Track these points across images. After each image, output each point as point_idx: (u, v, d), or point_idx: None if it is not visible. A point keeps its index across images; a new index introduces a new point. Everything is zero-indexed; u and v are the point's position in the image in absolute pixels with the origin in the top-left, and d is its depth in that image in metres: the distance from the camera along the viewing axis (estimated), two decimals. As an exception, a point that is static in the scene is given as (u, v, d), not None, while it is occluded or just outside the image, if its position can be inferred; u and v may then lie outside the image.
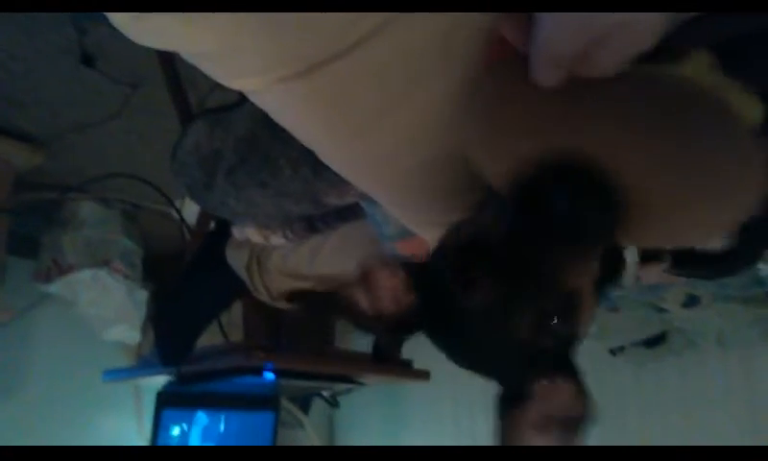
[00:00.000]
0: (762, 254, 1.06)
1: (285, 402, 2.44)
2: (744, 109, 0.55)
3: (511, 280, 0.56)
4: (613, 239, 0.56)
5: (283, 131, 0.71)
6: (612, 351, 2.32)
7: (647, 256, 0.82)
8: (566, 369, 0.61)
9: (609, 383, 2.48)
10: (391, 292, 0.66)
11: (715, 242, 0.58)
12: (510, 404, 0.63)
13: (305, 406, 2.73)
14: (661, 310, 1.65)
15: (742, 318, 1.90)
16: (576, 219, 0.50)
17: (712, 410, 2.30)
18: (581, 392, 0.62)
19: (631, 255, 0.66)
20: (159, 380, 2.03)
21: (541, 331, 0.57)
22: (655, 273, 1.07)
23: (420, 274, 0.65)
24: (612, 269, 0.66)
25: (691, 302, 1.51)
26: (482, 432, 2.79)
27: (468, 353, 0.64)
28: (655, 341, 2.19)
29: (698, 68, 0.55)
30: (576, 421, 0.62)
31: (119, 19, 0.51)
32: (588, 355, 2.07)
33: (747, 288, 1.43)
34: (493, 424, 0.63)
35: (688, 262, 0.95)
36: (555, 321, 0.57)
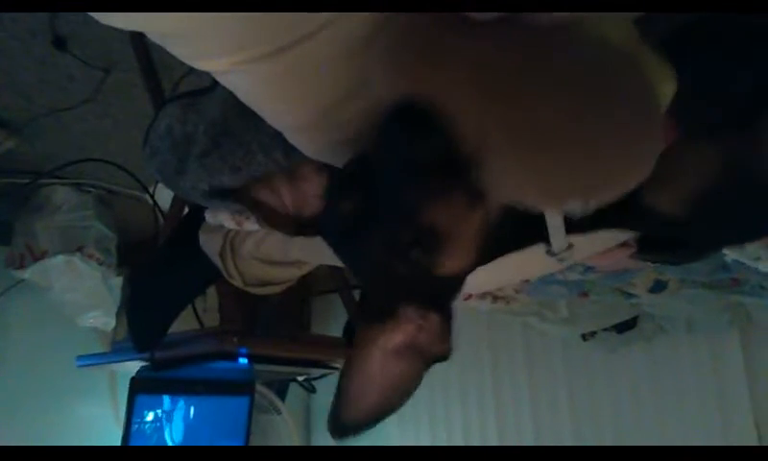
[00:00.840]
0: (725, 241, 1.08)
1: (261, 388, 2.45)
2: (657, 80, 0.56)
3: (366, 202, 0.60)
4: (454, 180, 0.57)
5: (255, 115, 0.71)
6: (584, 337, 2.35)
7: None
8: (439, 308, 0.63)
9: (580, 368, 2.51)
10: (312, 192, 0.70)
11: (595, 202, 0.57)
12: (370, 321, 0.65)
13: (282, 392, 2.74)
14: (630, 295, 1.67)
15: (711, 304, 1.93)
16: (408, 153, 0.54)
17: (682, 394, 2.34)
18: (445, 332, 0.63)
19: (554, 220, 0.66)
20: (134, 366, 2.02)
21: (395, 256, 0.60)
22: (621, 258, 1.09)
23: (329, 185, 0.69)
24: (523, 230, 0.67)
25: (658, 287, 1.54)
26: (457, 419, 2.83)
27: (348, 261, 0.67)
28: (625, 326, 2.22)
29: (621, 32, 0.55)
30: (432, 356, 0.64)
31: (85, 1, 0.51)
32: (560, 341, 2.10)
33: (713, 274, 1.46)
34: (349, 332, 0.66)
35: (653, 248, 0.97)
36: (412, 250, 0.59)
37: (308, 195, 0.68)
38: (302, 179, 0.68)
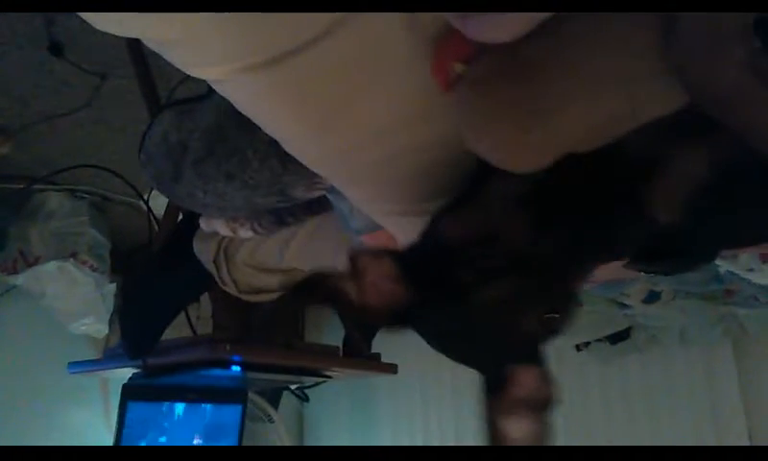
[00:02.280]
0: (719, 251, 1.08)
1: (254, 396, 2.44)
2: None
3: (532, 276, 0.59)
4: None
5: (251, 123, 0.71)
6: (578, 347, 2.35)
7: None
8: (535, 358, 0.65)
9: (574, 378, 2.51)
10: (378, 281, 0.65)
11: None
12: (491, 392, 0.65)
13: (274, 400, 2.73)
14: (624, 306, 1.68)
15: (704, 315, 1.94)
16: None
17: (675, 404, 2.34)
18: (546, 377, 0.65)
19: None
20: (126, 373, 2.01)
21: (544, 326, 0.61)
22: (614, 268, 1.09)
23: (413, 264, 0.65)
24: None
25: (652, 297, 1.54)
26: (449, 425, 2.83)
27: (460, 344, 0.65)
28: (619, 337, 2.22)
29: None
30: (543, 402, 0.65)
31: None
32: (554, 351, 2.10)
33: (706, 285, 1.46)
34: (477, 410, 0.66)
35: (647, 258, 0.97)
36: (557, 316, 0.61)
37: (375, 284, 0.65)
38: (363, 271, 0.65)
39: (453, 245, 0.63)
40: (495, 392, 0.65)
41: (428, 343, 0.67)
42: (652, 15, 0.52)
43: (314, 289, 0.67)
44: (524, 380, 0.64)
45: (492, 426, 0.65)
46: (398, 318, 0.66)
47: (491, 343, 0.64)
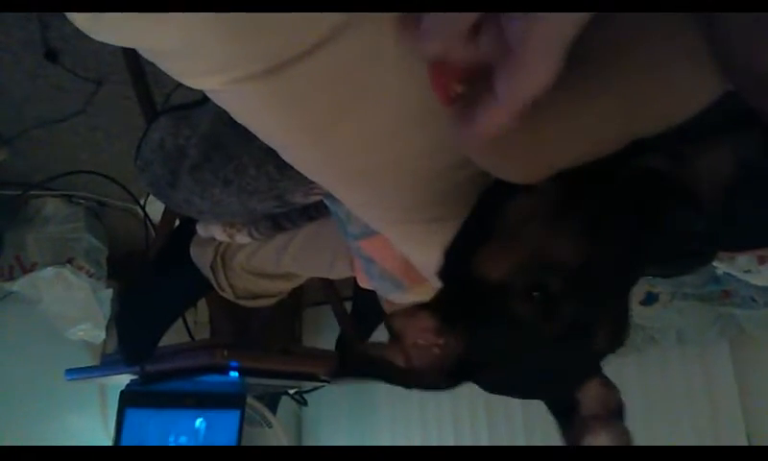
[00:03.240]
0: (717, 253, 1.08)
1: (252, 401, 2.44)
2: None
3: (599, 299, 0.57)
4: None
5: (247, 129, 0.71)
6: (576, 349, 2.35)
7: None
8: (596, 370, 0.64)
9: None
10: (421, 339, 0.61)
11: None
12: (562, 416, 0.65)
13: (273, 405, 2.73)
14: (622, 308, 1.68)
15: (701, 315, 1.94)
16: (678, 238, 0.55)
17: (673, 405, 2.35)
18: (609, 384, 0.64)
19: None
20: (124, 379, 2.01)
21: (611, 341, 0.59)
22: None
23: (454, 311, 0.62)
24: None
25: (650, 299, 1.54)
26: (448, 429, 2.83)
27: (528, 380, 0.64)
28: (616, 338, 2.22)
29: None
30: (614, 410, 0.65)
31: (77, 17, 0.51)
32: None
33: (704, 286, 1.47)
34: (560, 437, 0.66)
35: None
36: (622, 331, 0.60)
37: (418, 344, 0.62)
38: (401, 334, 0.62)
39: (497, 283, 0.59)
40: (568, 415, 0.64)
41: (491, 390, 0.65)
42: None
43: (360, 364, 0.63)
44: (592, 396, 0.64)
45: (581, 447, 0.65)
46: (455, 372, 0.62)
47: (561, 371, 0.62)
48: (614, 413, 0.65)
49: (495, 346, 0.60)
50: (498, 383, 0.64)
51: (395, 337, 0.61)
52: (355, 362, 0.63)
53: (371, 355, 0.61)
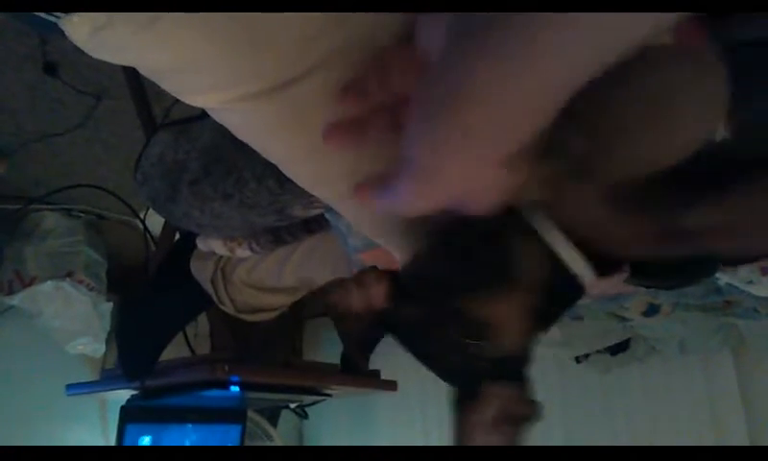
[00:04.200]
0: (719, 265, 1.08)
1: (253, 415, 2.43)
2: None
3: (426, 306, 0.66)
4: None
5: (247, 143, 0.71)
6: (578, 359, 2.35)
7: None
8: (510, 376, 0.67)
9: (575, 390, 2.51)
10: (376, 294, 0.72)
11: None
12: (461, 405, 0.68)
13: (274, 418, 2.72)
14: (624, 319, 1.67)
15: (703, 326, 1.94)
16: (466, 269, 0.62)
17: (675, 415, 2.34)
18: (523, 395, 0.67)
19: (587, 275, 0.68)
20: (124, 394, 2.00)
21: (461, 350, 0.65)
22: (615, 283, 1.08)
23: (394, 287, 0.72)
24: (567, 289, 0.69)
25: (652, 310, 1.54)
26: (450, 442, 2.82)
27: (422, 359, 0.71)
28: (619, 348, 2.22)
29: None
30: (518, 420, 0.67)
31: (77, 35, 0.51)
32: (554, 363, 2.10)
33: (706, 297, 1.46)
34: (449, 423, 0.69)
35: (647, 272, 0.97)
36: (470, 342, 0.64)
37: (374, 298, 0.73)
38: (368, 285, 0.74)
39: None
40: (468, 405, 0.67)
41: (412, 352, 0.72)
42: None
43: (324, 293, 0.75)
44: (497, 397, 0.66)
45: (462, 438, 0.68)
46: (382, 328, 0.73)
47: (440, 360, 0.68)
48: (514, 422, 0.67)
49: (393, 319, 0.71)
50: (413, 349, 0.72)
51: (360, 284, 0.73)
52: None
53: (328, 289, 0.73)
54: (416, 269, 0.69)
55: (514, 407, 0.66)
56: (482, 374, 0.66)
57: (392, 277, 0.73)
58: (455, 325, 0.64)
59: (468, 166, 0.46)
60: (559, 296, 0.69)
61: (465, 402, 0.68)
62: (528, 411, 0.67)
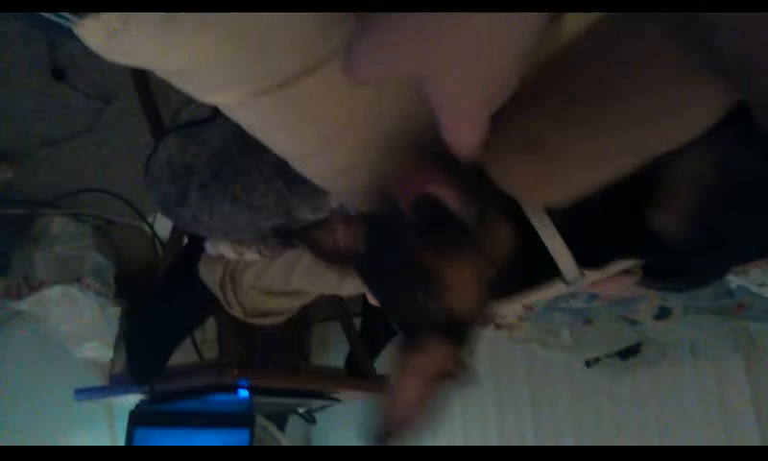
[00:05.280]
0: (731, 267, 1.07)
1: (261, 419, 2.42)
2: None
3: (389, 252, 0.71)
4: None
5: (256, 145, 0.71)
6: (588, 363, 2.33)
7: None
8: (453, 339, 0.71)
9: (584, 394, 2.49)
10: (345, 237, 0.81)
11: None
12: (402, 351, 0.73)
13: (281, 423, 2.71)
14: (635, 322, 1.66)
15: (714, 329, 1.92)
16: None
17: (687, 419, 2.32)
18: (458, 356, 0.71)
19: (564, 260, 0.71)
20: (133, 399, 2.00)
21: (413, 300, 0.69)
22: (626, 286, 1.08)
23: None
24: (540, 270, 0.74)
25: (663, 313, 1.53)
26: (458, 437, 2.81)
27: (381, 301, 0.77)
28: (629, 352, 2.21)
29: None
30: (447, 377, 0.71)
31: (92, 40, 0.51)
32: (564, 367, 2.08)
33: (717, 299, 1.45)
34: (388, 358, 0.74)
35: (658, 274, 0.96)
36: (422, 295, 0.68)
37: (353, 238, 0.81)
38: (353, 224, 0.81)
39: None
40: (408, 351, 0.72)
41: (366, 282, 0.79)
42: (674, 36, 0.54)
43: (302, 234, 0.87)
44: (429, 352, 0.71)
45: (396, 381, 0.72)
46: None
47: (414, 308, 0.71)
48: (443, 377, 0.71)
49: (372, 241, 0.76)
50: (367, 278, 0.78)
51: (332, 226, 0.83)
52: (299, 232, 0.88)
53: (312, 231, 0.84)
54: (386, 216, 0.72)
55: (447, 364, 0.71)
56: (427, 326, 0.70)
57: (359, 222, 0.80)
58: (410, 276, 0.68)
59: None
60: (528, 273, 0.74)
61: (406, 349, 0.72)
62: (458, 372, 0.71)
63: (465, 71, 0.48)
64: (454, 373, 0.71)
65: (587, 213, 0.69)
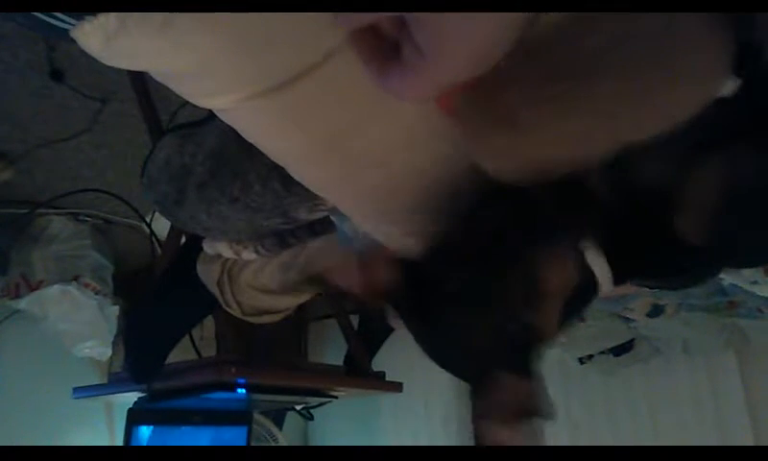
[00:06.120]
0: (723, 267, 1.08)
1: (258, 417, 2.43)
2: None
3: (491, 266, 0.63)
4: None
5: (253, 146, 0.72)
6: (581, 360, 2.35)
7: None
8: (525, 369, 0.66)
9: (578, 391, 2.51)
10: (379, 275, 0.72)
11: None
12: (478, 393, 0.67)
13: (279, 420, 2.72)
14: (628, 320, 1.68)
15: (707, 326, 1.93)
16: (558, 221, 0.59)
17: (679, 415, 2.34)
18: (536, 390, 0.66)
19: (604, 275, 0.68)
20: (131, 397, 2.01)
21: (508, 318, 0.63)
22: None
23: (411, 266, 0.71)
24: (586, 291, 0.69)
25: (656, 311, 1.54)
26: (453, 440, 2.81)
27: (440, 339, 0.69)
28: (622, 349, 2.22)
29: None
30: (525, 411, 0.65)
31: (90, 44, 0.51)
32: (558, 365, 2.09)
33: (710, 298, 1.46)
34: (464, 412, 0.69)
35: (652, 273, 0.97)
36: (521, 310, 0.62)
37: (377, 278, 0.73)
38: (374, 266, 0.74)
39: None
40: (480, 396, 0.67)
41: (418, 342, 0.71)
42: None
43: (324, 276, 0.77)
44: (507, 388, 0.65)
45: (477, 430, 0.67)
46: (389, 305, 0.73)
47: (468, 346, 0.67)
48: (525, 414, 0.66)
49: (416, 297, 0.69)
50: (416, 333, 0.71)
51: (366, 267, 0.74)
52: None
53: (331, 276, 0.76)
54: (459, 236, 0.66)
55: (526, 400, 0.65)
56: (502, 355, 0.65)
57: (401, 260, 0.72)
58: (515, 286, 0.62)
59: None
60: (581, 295, 0.69)
61: (481, 392, 0.66)
62: (540, 406, 0.65)
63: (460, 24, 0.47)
64: (535, 407, 0.66)
65: (621, 232, 0.66)
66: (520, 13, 0.45)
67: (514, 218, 0.61)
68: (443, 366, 0.71)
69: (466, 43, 0.46)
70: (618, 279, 0.70)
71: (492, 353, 0.66)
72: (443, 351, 0.70)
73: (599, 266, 0.66)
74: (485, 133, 0.59)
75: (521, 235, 0.61)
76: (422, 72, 0.48)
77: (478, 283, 0.63)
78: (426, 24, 0.45)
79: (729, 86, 0.58)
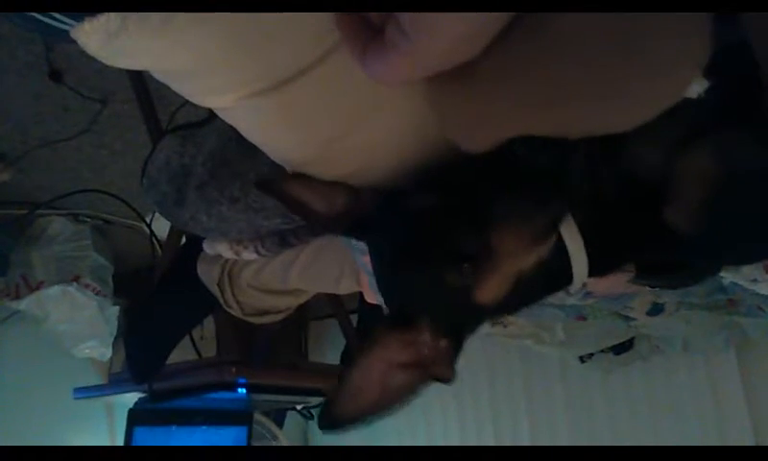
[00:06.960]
0: (724, 264, 1.08)
1: (259, 417, 2.44)
2: None
3: (453, 201, 0.61)
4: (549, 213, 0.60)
5: (252, 146, 0.72)
6: (582, 359, 2.35)
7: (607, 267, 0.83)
8: (453, 335, 0.65)
9: (578, 390, 2.51)
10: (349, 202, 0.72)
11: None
12: (390, 326, 0.65)
13: (279, 420, 2.73)
14: (628, 318, 1.67)
15: (707, 324, 1.93)
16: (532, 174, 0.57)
17: (679, 414, 2.34)
18: (451, 360, 0.65)
19: (580, 267, 0.66)
20: (131, 397, 2.01)
21: (450, 265, 0.60)
22: (620, 283, 1.09)
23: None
24: (555, 278, 0.68)
25: (656, 310, 1.53)
26: (453, 435, 2.82)
27: (381, 267, 0.68)
28: (622, 348, 2.22)
29: None
30: (434, 377, 0.65)
31: (90, 44, 0.51)
32: (558, 363, 2.09)
33: (710, 296, 1.46)
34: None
35: (652, 272, 0.97)
36: (465, 260, 0.60)
37: (338, 200, 0.72)
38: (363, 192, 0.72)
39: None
40: (392, 327, 0.65)
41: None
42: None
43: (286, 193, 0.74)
44: (420, 337, 0.65)
45: (363, 353, 0.65)
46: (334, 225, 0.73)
47: (407, 278, 0.64)
48: (426, 372, 0.65)
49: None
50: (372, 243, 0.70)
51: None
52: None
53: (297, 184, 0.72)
54: (442, 172, 0.64)
55: (437, 362, 0.65)
56: (436, 307, 0.64)
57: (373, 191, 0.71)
58: (470, 239, 0.60)
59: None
60: (546, 279, 0.67)
61: (392, 327, 0.65)
62: (446, 375, 0.65)
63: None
64: (439, 372, 0.65)
65: (604, 220, 0.65)
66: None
67: (489, 173, 0.59)
68: (381, 291, 0.70)
69: (450, 25, 0.46)
70: (597, 271, 0.68)
71: (423, 295, 0.64)
72: (385, 274, 0.69)
73: (576, 252, 0.64)
74: (445, 90, 0.57)
75: (490, 187, 0.58)
76: (405, 53, 0.48)
77: (435, 214, 0.61)
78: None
79: (701, 83, 0.57)
